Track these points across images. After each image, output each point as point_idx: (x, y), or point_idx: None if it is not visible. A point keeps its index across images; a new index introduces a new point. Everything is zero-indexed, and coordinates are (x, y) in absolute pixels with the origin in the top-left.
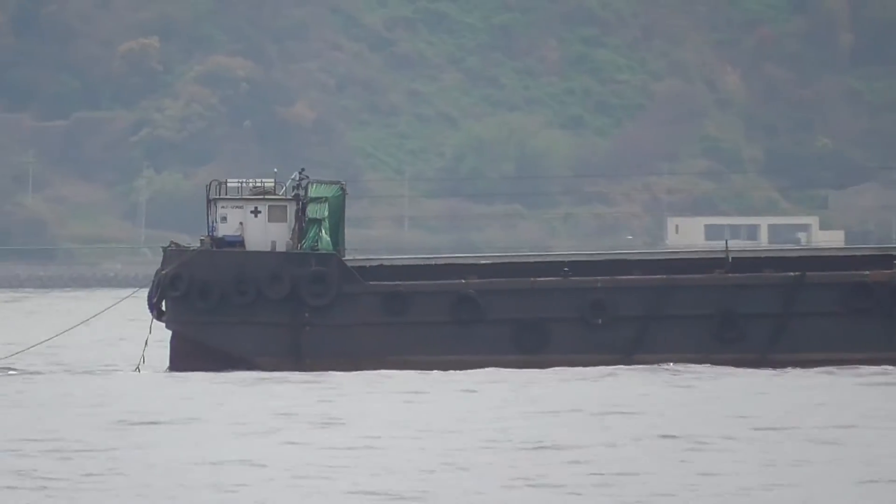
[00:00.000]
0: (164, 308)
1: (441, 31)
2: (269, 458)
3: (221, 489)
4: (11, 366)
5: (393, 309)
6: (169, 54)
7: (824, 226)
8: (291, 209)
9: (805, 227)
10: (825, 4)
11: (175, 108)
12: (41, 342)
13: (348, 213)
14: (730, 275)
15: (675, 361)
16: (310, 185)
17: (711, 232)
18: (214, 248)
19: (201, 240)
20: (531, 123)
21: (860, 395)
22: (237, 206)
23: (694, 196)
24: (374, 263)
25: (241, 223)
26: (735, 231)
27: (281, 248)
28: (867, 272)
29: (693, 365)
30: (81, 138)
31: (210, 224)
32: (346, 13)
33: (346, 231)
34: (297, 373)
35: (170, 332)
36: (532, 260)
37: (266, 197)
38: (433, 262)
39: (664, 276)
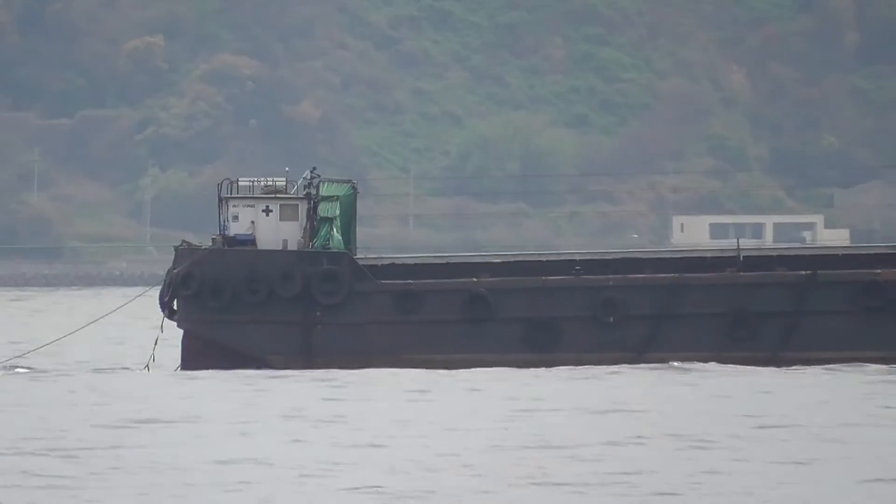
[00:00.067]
0: (175, 307)
1: (446, 29)
2: (274, 456)
3: (226, 488)
4: (20, 364)
5: (404, 307)
6: (174, 53)
7: (829, 224)
8: (303, 208)
9: (810, 226)
10: (831, 3)
11: (180, 106)
12: (52, 341)
13: None
14: (741, 273)
15: (687, 360)
16: (321, 184)
17: (717, 230)
18: (226, 247)
19: (213, 238)
20: (536, 122)
21: (866, 394)
22: (249, 205)
23: (699, 195)
24: (386, 262)
25: (252, 222)
26: (740, 230)
27: (292, 246)
28: (879, 270)
29: (701, 363)
30: (87, 137)
31: (221, 223)
32: (352, 12)
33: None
34: (306, 371)
35: (181, 331)
36: (543, 259)
37: (278, 196)
38: (445, 261)
39: (676, 275)
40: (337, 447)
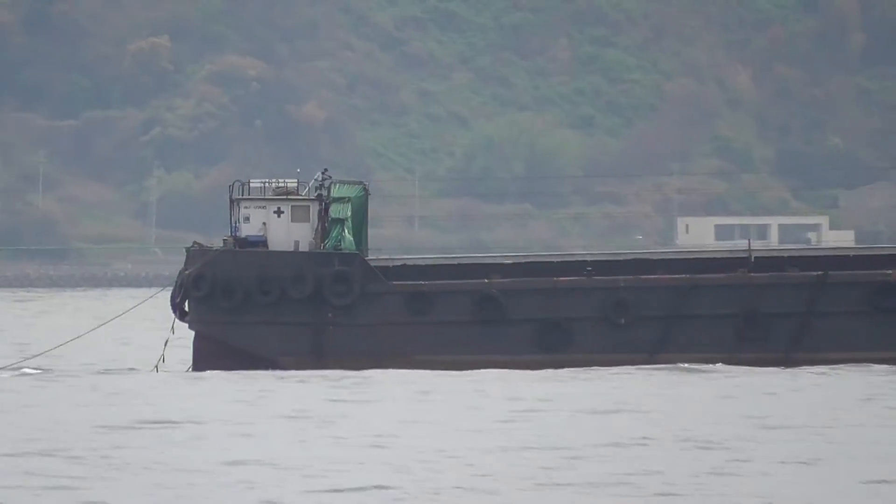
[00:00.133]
0: (186, 308)
1: (451, 30)
2: (279, 456)
3: (231, 488)
4: (30, 366)
5: (416, 308)
6: (180, 54)
7: (834, 225)
8: (314, 209)
9: (815, 227)
10: (836, 4)
11: (186, 107)
12: (63, 343)
13: None
14: (753, 274)
15: (699, 361)
16: (333, 185)
17: (722, 232)
18: (237, 248)
19: (224, 240)
20: (542, 123)
21: (873, 394)
22: (260, 207)
23: (705, 196)
24: (398, 263)
25: (264, 223)
26: (745, 231)
27: (304, 247)
28: (890, 271)
29: (708, 364)
30: (92, 138)
31: (233, 224)
32: (357, 12)
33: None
34: (316, 371)
35: (192, 333)
36: (555, 260)
37: (289, 197)
38: (456, 262)
39: (687, 276)
40: (340, 447)
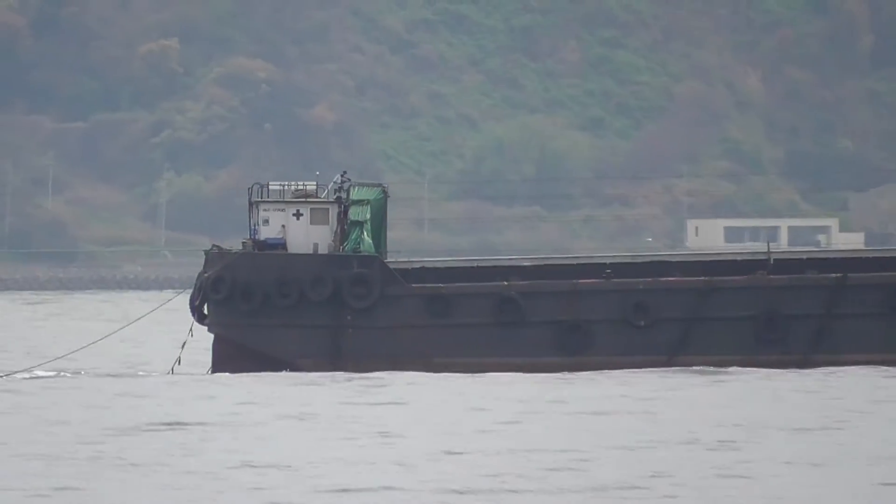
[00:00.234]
0: (206, 311)
1: (461, 32)
2: (289, 458)
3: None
4: (46, 370)
5: (435, 311)
6: (189, 56)
7: (844, 228)
8: (333, 212)
9: (825, 229)
10: (845, 6)
11: (195, 110)
12: (83, 347)
13: None
14: (772, 276)
15: (718, 363)
16: (351, 188)
17: (731, 234)
18: (257, 251)
19: (243, 242)
20: (551, 125)
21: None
22: (279, 209)
23: (714, 198)
24: (416, 266)
25: (283, 226)
26: (755, 233)
27: (323, 250)
28: None
29: (725, 367)
30: (101, 140)
31: (252, 227)
32: (367, 15)
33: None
34: (330, 373)
35: (211, 335)
36: (574, 262)
37: (308, 200)
38: (475, 265)
39: (706, 278)
40: (350, 448)
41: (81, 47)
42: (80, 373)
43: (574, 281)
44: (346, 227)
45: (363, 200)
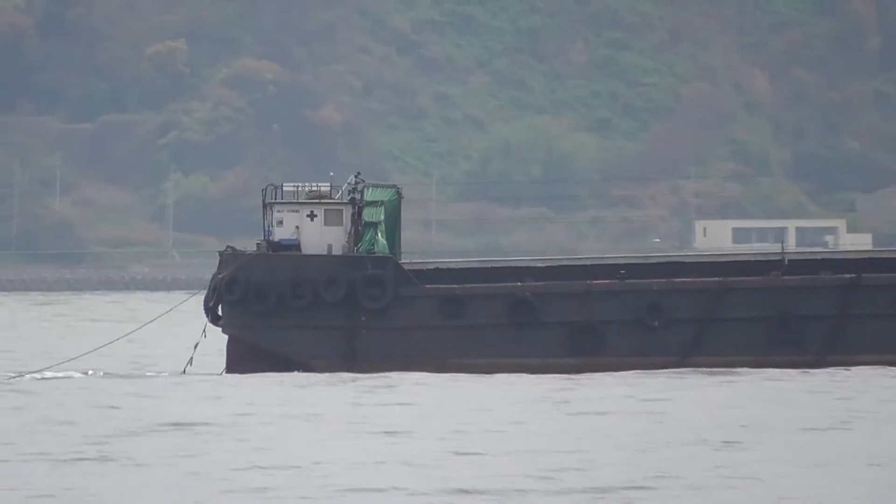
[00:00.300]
0: (220, 312)
1: (468, 34)
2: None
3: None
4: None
5: (449, 312)
6: (196, 57)
7: (852, 229)
8: (347, 213)
9: (832, 230)
10: (853, 7)
11: (202, 110)
12: (98, 347)
13: None
14: (786, 277)
15: (732, 364)
16: (366, 189)
17: (739, 235)
18: (271, 252)
19: (257, 244)
20: (558, 126)
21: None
22: (293, 210)
23: (721, 199)
24: (430, 267)
25: (297, 227)
26: (762, 234)
27: (337, 251)
28: None
29: (736, 367)
30: (108, 141)
31: (266, 228)
32: (374, 16)
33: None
34: (340, 374)
35: (224, 336)
36: (588, 263)
37: (322, 201)
38: (489, 266)
39: (720, 279)
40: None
41: (88, 48)
42: (91, 374)
43: (588, 282)
44: (360, 229)
45: (377, 201)
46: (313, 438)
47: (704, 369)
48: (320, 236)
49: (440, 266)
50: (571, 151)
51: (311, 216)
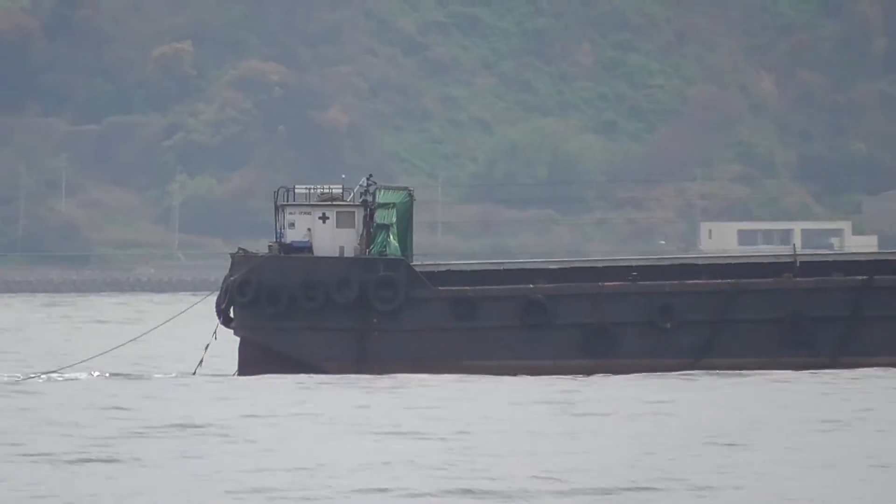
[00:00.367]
0: (231, 314)
1: (475, 35)
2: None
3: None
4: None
5: (461, 314)
6: (202, 59)
7: (857, 231)
8: (359, 215)
9: (838, 232)
10: (859, 9)
11: (208, 112)
12: (113, 348)
13: None
14: (798, 279)
15: (744, 366)
16: (378, 191)
17: (745, 237)
18: (283, 254)
19: (269, 246)
20: (565, 128)
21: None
22: (305, 212)
23: (727, 201)
24: (442, 269)
25: (309, 229)
26: (768, 236)
27: (349, 253)
28: None
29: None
30: (115, 143)
31: (278, 230)
32: (380, 18)
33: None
34: (348, 375)
35: (238, 338)
36: (600, 265)
37: (334, 203)
38: (501, 267)
39: (733, 281)
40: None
41: (95, 50)
42: (100, 375)
43: (600, 283)
44: (372, 231)
45: (389, 204)
46: (320, 440)
47: (714, 371)
48: (332, 238)
49: (452, 268)
50: (577, 153)
51: (324, 218)
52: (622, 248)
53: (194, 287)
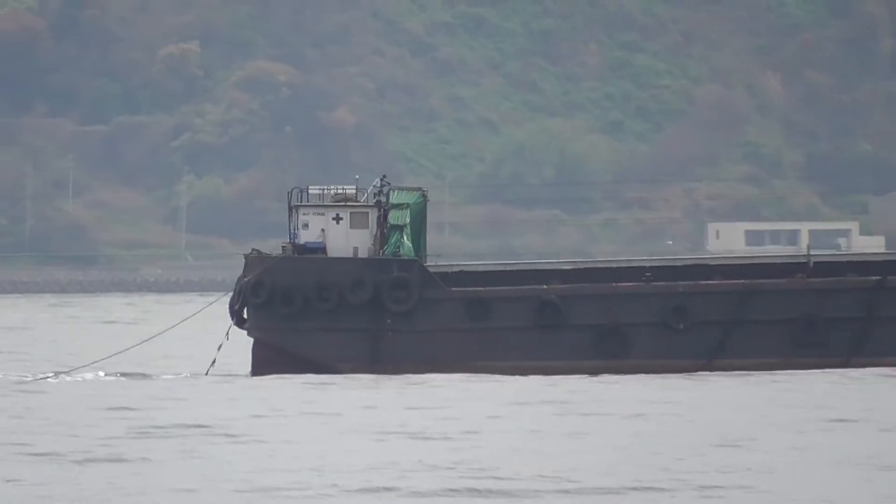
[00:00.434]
0: (245, 315)
1: (481, 36)
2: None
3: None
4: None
5: (475, 314)
6: (209, 59)
7: (864, 231)
8: (373, 215)
9: (845, 233)
10: (866, 9)
11: (216, 113)
12: (126, 349)
13: None
14: (811, 279)
15: (758, 367)
16: (391, 192)
17: (752, 237)
18: (296, 255)
19: (283, 246)
20: (571, 128)
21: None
22: (319, 213)
23: (734, 201)
24: (456, 269)
25: (322, 230)
26: (775, 236)
27: (363, 254)
28: None
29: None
30: (122, 143)
31: (292, 231)
32: (387, 18)
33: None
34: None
35: (251, 339)
36: (614, 265)
37: (348, 203)
38: (515, 268)
39: (746, 281)
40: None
41: (102, 50)
42: (111, 375)
43: (613, 284)
44: (385, 231)
45: (403, 204)
46: (328, 439)
47: (725, 372)
48: (346, 239)
49: (465, 269)
50: (584, 153)
51: (337, 219)
52: (629, 248)
53: (201, 287)
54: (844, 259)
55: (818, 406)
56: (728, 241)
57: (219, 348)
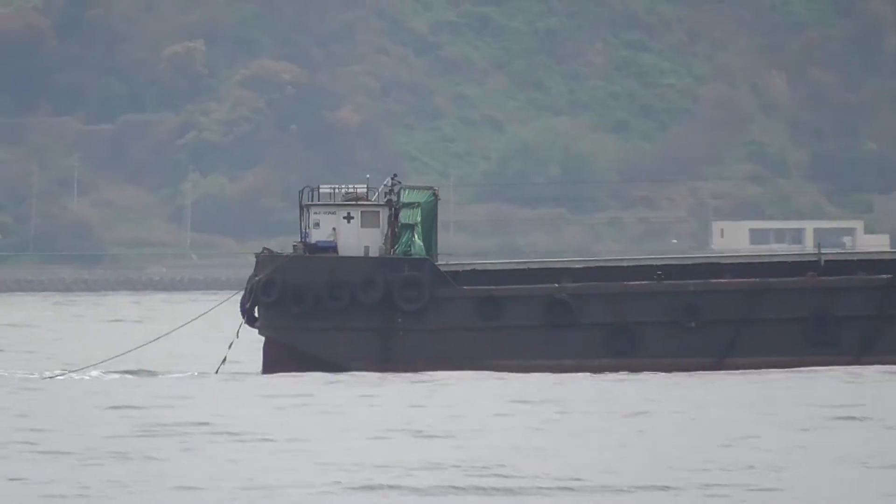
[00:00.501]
0: (256, 314)
1: (486, 35)
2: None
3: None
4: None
5: (486, 313)
6: (214, 58)
7: (869, 229)
8: (384, 214)
9: (850, 231)
10: (871, 8)
11: (220, 111)
12: (137, 347)
13: None
14: (823, 278)
15: (769, 365)
16: (402, 191)
17: (756, 236)
18: (307, 254)
19: (294, 245)
20: (576, 127)
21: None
22: (330, 212)
23: (739, 200)
24: (467, 268)
25: (334, 229)
26: (780, 235)
27: (374, 253)
28: None
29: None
30: (127, 142)
31: (303, 230)
32: (392, 17)
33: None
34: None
35: (263, 338)
36: (625, 264)
37: (359, 203)
38: (526, 267)
39: (757, 280)
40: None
41: (107, 49)
42: (120, 373)
43: (624, 283)
44: (396, 230)
45: (414, 203)
46: (333, 437)
47: (735, 371)
48: (357, 238)
49: (476, 267)
50: (589, 152)
51: (348, 218)
52: (634, 247)
53: (206, 286)
54: (855, 258)
55: (824, 404)
56: (733, 239)
57: (229, 347)
